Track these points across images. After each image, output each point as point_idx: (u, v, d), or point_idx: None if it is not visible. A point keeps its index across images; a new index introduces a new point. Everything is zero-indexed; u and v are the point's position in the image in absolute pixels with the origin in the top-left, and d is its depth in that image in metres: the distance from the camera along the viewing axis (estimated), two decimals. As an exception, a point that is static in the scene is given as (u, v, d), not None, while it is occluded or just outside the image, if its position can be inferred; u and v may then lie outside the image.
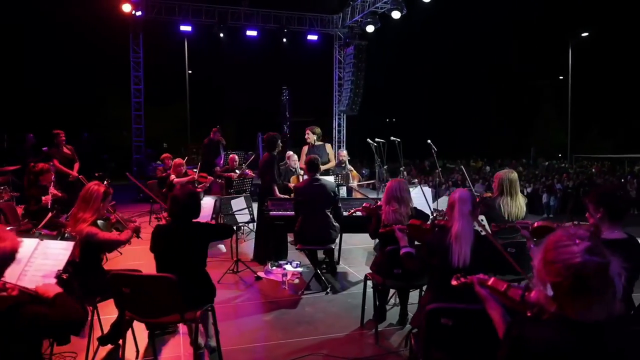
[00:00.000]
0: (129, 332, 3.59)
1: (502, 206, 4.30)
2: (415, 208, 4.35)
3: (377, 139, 9.96)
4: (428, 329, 2.62)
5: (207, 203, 4.27)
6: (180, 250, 3.29)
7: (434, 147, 8.88)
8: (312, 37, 16.60)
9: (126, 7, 13.33)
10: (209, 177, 8.14)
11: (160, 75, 20.42)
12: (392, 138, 9.86)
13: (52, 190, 6.23)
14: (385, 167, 10.50)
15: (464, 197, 3.01)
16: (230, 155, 9.03)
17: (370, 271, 4.33)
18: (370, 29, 14.85)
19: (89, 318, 3.50)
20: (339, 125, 17.24)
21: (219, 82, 20.16)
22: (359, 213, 5.01)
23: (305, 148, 7.36)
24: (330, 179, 6.35)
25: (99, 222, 3.79)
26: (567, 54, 24.42)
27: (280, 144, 6.80)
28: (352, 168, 9.09)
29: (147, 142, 16.68)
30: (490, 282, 2.35)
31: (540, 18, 28.17)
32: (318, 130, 7.71)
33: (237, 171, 8.35)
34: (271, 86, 15.40)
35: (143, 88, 15.74)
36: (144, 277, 3.16)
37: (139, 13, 14.17)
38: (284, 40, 16.20)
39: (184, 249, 3.30)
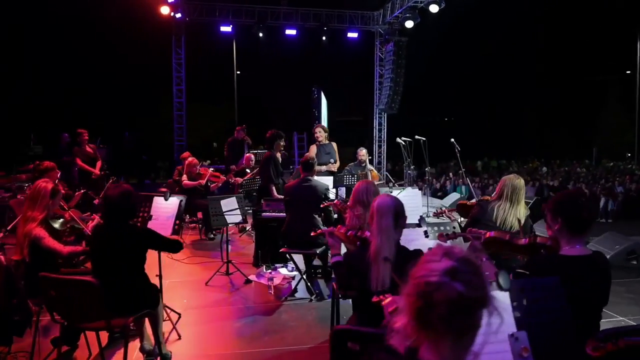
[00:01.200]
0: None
1: (495, 210, 3.85)
2: None
3: (404, 138, 9.55)
4: (333, 353, 2.30)
5: (172, 203, 4.13)
6: (112, 253, 3.16)
7: (457, 146, 8.42)
8: (352, 35, 16.29)
9: (164, 10, 13.62)
10: (221, 176, 8.08)
11: (208, 75, 20.82)
12: (416, 137, 9.43)
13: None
14: (412, 166, 10.05)
15: (383, 207, 2.58)
16: (246, 155, 8.95)
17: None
18: (409, 24, 14.36)
19: (34, 318, 3.45)
20: (380, 124, 16.80)
21: (258, 81, 20.26)
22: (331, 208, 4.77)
23: (314, 147, 7.11)
24: (322, 180, 6.09)
25: (59, 221, 3.74)
26: (635, 46, 22.56)
27: (282, 143, 6.63)
28: (372, 168, 8.73)
29: (198, 142, 17.06)
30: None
31: (604, 8, 26.17)
32: (326, 128, 7.49)
33: (247, 170, 8.24)
34: (309, 85, 15.26)
35: (185, 88, 16.07)
36: (67, 281, 3.05)
37: (178, 15, 14.46)
38: (323, 38, 16.03)
39: (116, 252, 3.16)
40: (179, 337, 4.03)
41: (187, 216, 7.89)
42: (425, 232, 3.33)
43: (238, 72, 21.11)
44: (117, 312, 3.10)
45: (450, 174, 18.60)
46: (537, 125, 33.35)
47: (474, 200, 5.64)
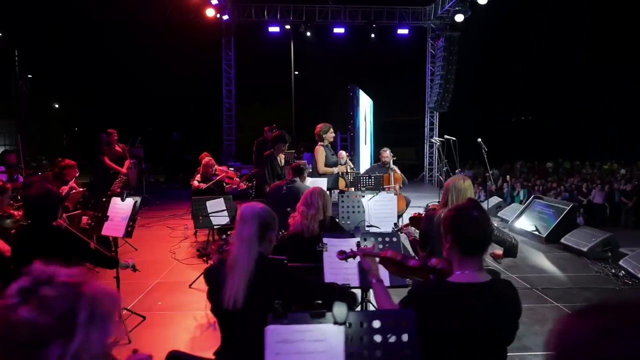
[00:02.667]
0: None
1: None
2: (332, 217, 3.67)
3: (436, 138, 8.97)
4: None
5: (127, 204, 4.04)
6: (31, 253, 3.07)
7: (484, 146, 7.78)
8: (403, 31, 15.76)
9: (210, 12, 13.85)
10: (236, 178, 7.99)
11: (261, 76, 21.00)
12: (446, 136, 8.84)
13: (71, 183, 6.53)
14: (445, 168, 9.44)
15: (246, 215, 2.26)
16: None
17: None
18: (459, 18, 13.63)
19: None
20: (431, 123, 16.10)
21: (305, 81, 20.15)
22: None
23: (321, 148, 6.79)
24: (323, 181, 5.78)
25: (7, 220, 3.75)
26: None
27: (284, 148, 6.42)
28: (395, 168, 8.27)
29: (253, 142, 17.24)
30: None
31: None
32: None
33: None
34: (356, 84, 14.89)
35: (234, 89, 16.33)
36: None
37: (225, 17, 14.68)
38: (372, 35, 15.65)
39: (34, 253, 3.07)
40: (129, 342, 3.92)
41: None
42: (358, 244, 2.96)
43: (296, 73, 21.19)
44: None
45: (508, 176, 17.41)
46: (620, 124, 30.56)
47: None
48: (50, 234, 3.14)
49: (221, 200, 5.44)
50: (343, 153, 9.70)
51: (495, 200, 9.71)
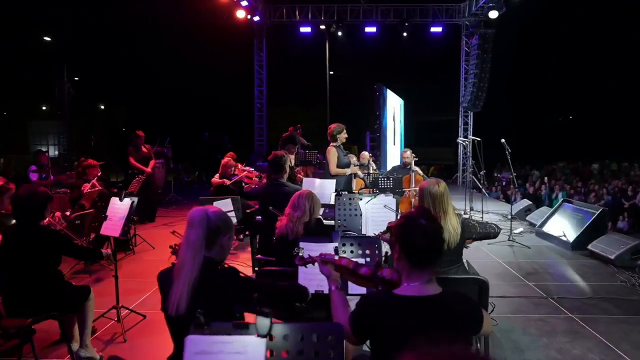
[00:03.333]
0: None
1: None
2: (319, 219, 3.58)
3: (461, 138, 8.71)
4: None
5: (125, 204, 4.08)
6: (17, 252, 3.15)
7: (508, 148, 7.48)
8: (436, 29, 15.42)
9: (240, 14, 13.96)
10: (255, 178, 8.01)
11: (295, 76, 21.07)
12: (472, 137, 8.55)
13: (94, 182, 6.71)
14: (471, 169, 9.14)
15: (194, 219, 2.17)
16: (284, 156, 8.76)
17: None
18: (493, 14, 13.18)
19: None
20: (465, 123, 15.67)
21: (336, 80, 20.01)
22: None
23: (334, 149, 6.65)
24: (331, 183, 5.68)
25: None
26: None
27: (294, 150, 6.36)
28: (417, 170, 8.08)
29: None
30: None
31: None
32: None
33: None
34: (387, 83, 14.72)
35: (265, 90, 16.43)
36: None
37: (256, 18, 14.78)
38: (404, 34, 15.38)
39: (20, 252, 3.15)
40: (124, 341, 3.96)
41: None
42: (336, 249, 2.86)
43: (331, 73, 21.12)
44: (16, 312, 3.10)
45: (546, 178, 16.74)
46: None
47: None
48: (37, 234, 3.20)
49: (228, 201, 5.42)
50: (366, 154, 9.60)
51: (524, 203, 9.32)
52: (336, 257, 2.30)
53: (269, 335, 1.56)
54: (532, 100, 25.85)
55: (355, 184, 7.99)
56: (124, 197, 4.12)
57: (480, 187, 9.82)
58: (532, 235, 7.90)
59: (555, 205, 8.16)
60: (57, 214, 3.74)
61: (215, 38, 16.21)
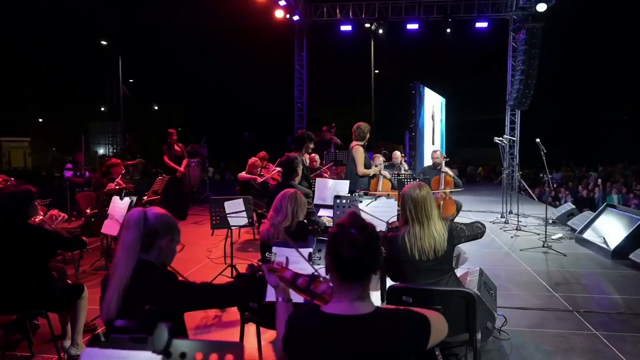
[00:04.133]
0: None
1: (406, 240, 2.96)
2: (301, 223, 3.40)
3: (499, 137, 8.32)
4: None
5: (124, 203, 4.08)
6: (1, 250, 3.20)
7: (542, 147, 7.03)
8: (481, 25, 14.82)
9: (279, 13, 13.98)
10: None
11: (339, 75, 20.95)
12: (507, 136, 8.11)
13: (118, 180, 6.87)
14: (507, 171, 8.67)
15: (129, 221, 2.06)
16: (311, 155, 8.64)
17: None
18: (541, 7, 12.53)
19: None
20: (512, 122, 14.96)
21: (379, 79, 19.69)
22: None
23: (360, 148, 6.45)
24: (344, 184, 5.50)
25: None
26: None
27: (311, 146, 6.20)
28: (447, 170, 7.73)
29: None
30: None
31: None
32: None
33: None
34: (431, 81, 14.31)
35: (306, 89, 16.39)
36: None
37: (295, 17, 14.75)
38: (448, 30, 14.90)
39: (5, 249, 3.19)
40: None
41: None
42: (310, 255, 2.70)
43: (376, 71, 20.83)
44: (1, 309, 3.15)
45: (599, 180, 15.71)
46: None
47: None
48: (22, 232, 3.24)
49: (240, 201, 5.36)
50: (397, 153, 9.33)
51: (567, 207, 8.73)
52: (286, 265, 2.14)
53: (166, 352, 1.43)
54: (588, 97, 24.35)
55: (382, 186, 7.77)
56: (124, 196, 4.12)
57: (527, 188, 9.29)
58: (571, 242, 7.38)
59: (598, 210, 7.58)
60: (53, 212, 3.80)
61: (255, 39, 16.34)
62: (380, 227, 3.81)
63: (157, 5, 16.20)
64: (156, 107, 36.47)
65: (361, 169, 6.34)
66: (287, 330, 1.68)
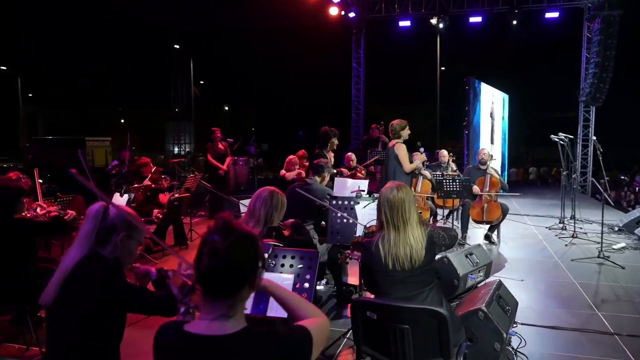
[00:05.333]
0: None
1: (380, 247, 2.60)
2: (272, 228, 3.11)
3: (562, 135, 7.62)
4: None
5: (123, 200, 4.05)
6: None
7: (599, 147, 6.29)
8: (552, 15, 13.74)
9: (333, 11, 13.78)
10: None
11: (400, 72, 20.43)
12: (563, 135, 7.39)
13: (146, 181, 6.98)
14: (565, 172, 7.90)
15: (89, 212, 2.06)
16: (347, 154, 8.35)
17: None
18: (617, -7, 11.36)
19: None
20: (586, 119, 13.76)
21: (441, 76, 18.92)
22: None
23: (402, 145, 6.07)
24: (364, 184, 5.18)
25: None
26: None
27: (335, 142, 5.93)
28: (494, 171, 7.15)
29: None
30: None
31: None
32: None
33: (343, 171, 7.65)
34: (495, 76, 13.53)
35: (363, 87, 16.07)
36: None
37: (351, 14, 14.49)
38: (514, 22, 13.97)
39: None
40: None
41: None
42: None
43: (442, 69, 20.07)
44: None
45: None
46: None
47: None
48: (8, 227, 3.27)
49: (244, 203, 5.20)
50: (445, 152, 8.82)
51: (637, 213, 7.79)
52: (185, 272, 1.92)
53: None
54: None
55: (422, 186, 7.34)
56: (124, 193, 4.09)
57: (602, 192, 8.39)
58: (635, 253, 6.55)
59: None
60: (42, 208, 3.83)
61: (310, 38, 16.26)
62: (359, 231, 3.49)
63: (222, 9, 16.54)
64: (227, 108, 37.62)
65: (407, 166, 5.95)
66: (153, 347, 1.46)
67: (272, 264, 2.50)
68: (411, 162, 6.05)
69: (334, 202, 3.79)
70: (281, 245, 2.61)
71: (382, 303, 2.43)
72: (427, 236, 2.59)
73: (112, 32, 24.71)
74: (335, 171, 8.27)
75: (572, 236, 7.26)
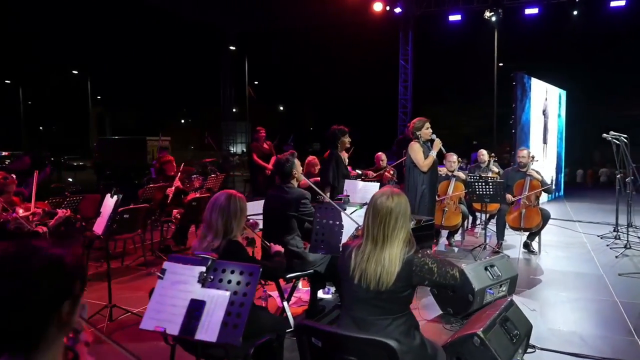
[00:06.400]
0: None
1: (352, 257, 2.24)
2: (233, 244, 2.76)
3: (614, 133, 6.89)
4: None
5: (113, 200, 3.91)
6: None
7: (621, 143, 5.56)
8: (618, 3, 12.61)
9: (377, 6, 13.37)
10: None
11: (453, 69, 19.67)
12: (612, 133, 6.65)
13: (176, 182, 6.92)
14: (619, 174, 7.10)
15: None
16: (377, 154, 7.96)
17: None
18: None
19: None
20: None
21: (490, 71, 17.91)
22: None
23: (417, 143, 5.64)
24: (374, 187, 4.79)
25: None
26: None
27: (347, 140, 5.54)
28: (535, 173, 6.52)
29: (458, 140, 16.38)
30: None
31: None
32: None
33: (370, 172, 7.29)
34: (553, 70, 12.59)
35: (411, 85, 15.52)
36: None
37: (397, 10, 14.00)
38: (574, 13, 12.98)
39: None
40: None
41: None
42: (201, 274, 2.20)
43: (500, 64, 19.10)
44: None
45: None
46: None
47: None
48: None
49: (261, 202, 4.95)
50: (484, 152, 8.26)
51: None
52: None
53: None
54: None
55: (454, 189, 6.83)
56: (114, 194, 3.97)
57: None
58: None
59: None
60: (26, 210, 3.77)
61: (357, 35, 15.91)
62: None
63: (265, 10, 16.54)
64: (281, 108, 37.91)
65: (422, 163, 5.50)
66: None
67: (210, 278, 2.22)
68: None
69: (314, 207, 3.46)
70: (214, 258, 2.32)
71: (327, 330, 2.09)
72: (403, 261, 2.19)
73: (170, 36, 25.50)
74: (360, 172, 7.94)
75: (625, 247, 6.49)
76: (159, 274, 2.28)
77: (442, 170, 6.77)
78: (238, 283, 2.18)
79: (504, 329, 3.07)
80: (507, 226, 6.54)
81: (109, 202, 4.02)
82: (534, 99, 10.06)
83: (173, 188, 6.84)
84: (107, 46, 32.45)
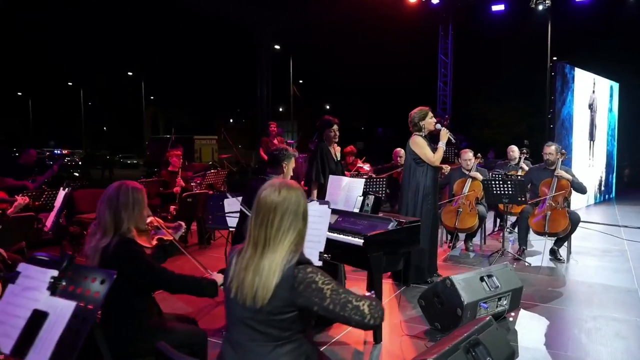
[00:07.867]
0: None
1: (232, 263, 1.78)
2: (123, 242, 2.33)
3: None
4: None
5: (61, 195, 3.64)
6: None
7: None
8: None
9: (412, -3, 12.73)
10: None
11: (501, 64, 18.66)
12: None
13: (179, 181, 6.68)
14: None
15: None
16: (395, 150, 7.41)
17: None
18: None
19: None
20: None
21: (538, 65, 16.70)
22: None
23: (419, 137, 5.05)
24: (359, 182, 4.27)
25: None
26: None
27: (332, 134, 4.98)
28: (562, 173, 5.76)
29: (511, 139, 15.62)
30: None
31: None
32: None
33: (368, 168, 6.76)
34: (605, 62, 11.47)
35: (450, 80, 14.73)
36: None
37: (435, 1, 13.28)
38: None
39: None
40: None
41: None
42: (54, 279, 1.82)
43: (554, 58, 17.89)
44: None
45: None
46: None
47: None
48: None
49: (238, 199, 4.56)
50: (515, 148, 7.57)
51: None
52: None
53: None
54: None
55: (469, 188, 6.18)
56: (66, 187, 3.70)
57: None
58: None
59: None
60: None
61: (386, 28, 15.31)
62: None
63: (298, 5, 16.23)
64: (328, 107, 37.64)
65: (432, 158, 4.89)
66: None
67: (62, 284, 1.83)
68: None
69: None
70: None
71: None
72: (283, 274, 1.69)
73: (217, 38, 25.87)
74: (368, 169, 7.42)
75: (672, 259, 5.62)
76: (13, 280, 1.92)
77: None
78: (87, 292, 1.78)
79: (471, 356, 2.50)
80: (530, 230, 5.83)
81: (61, 195, 3.76)
82: (577, 92, 9.11)
83: (179, 188, 6.63)
84: (160, 48, 33.54)
